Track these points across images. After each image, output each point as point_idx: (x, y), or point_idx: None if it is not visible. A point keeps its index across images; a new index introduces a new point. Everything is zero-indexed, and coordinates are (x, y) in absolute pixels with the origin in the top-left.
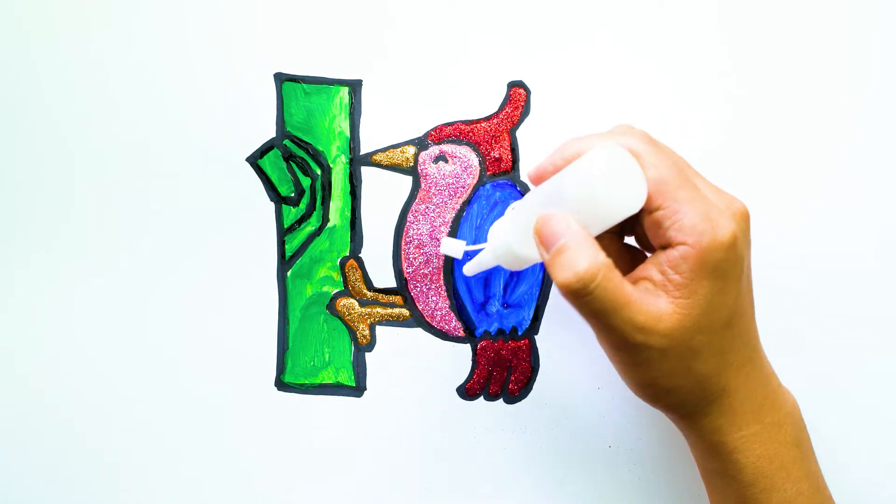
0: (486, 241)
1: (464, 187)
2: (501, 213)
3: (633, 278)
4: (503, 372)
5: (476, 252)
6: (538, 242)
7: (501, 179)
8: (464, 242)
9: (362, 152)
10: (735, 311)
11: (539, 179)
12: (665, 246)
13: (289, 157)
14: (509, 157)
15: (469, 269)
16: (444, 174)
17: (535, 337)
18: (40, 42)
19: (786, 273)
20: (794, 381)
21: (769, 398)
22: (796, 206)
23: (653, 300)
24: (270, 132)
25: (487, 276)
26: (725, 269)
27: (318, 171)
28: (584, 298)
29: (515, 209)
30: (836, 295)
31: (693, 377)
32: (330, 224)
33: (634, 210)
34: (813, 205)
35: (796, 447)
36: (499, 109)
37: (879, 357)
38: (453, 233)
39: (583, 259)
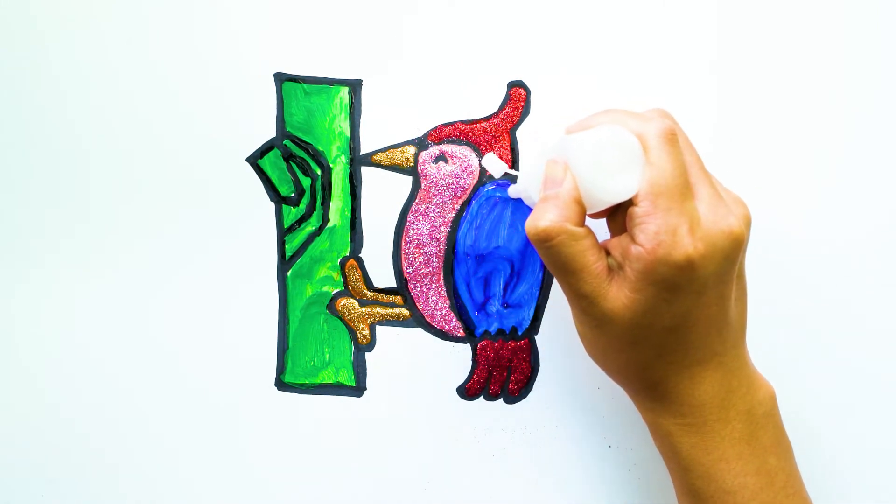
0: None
1: (464, 187)
2: (501, 214)
3: (606, 244)
4: (503, 372)
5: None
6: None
7: (501, 179)
8: (505, 165)
9: (362, 152)
10: (685, 320)
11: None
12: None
13: (289, 157)
14: (509, 157)
15: (512, 191)
16: (444, 174)
17: (535, 337)
18: (41, 43)
19: (779, 270)
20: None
21: (720, 397)
22: (798, 206)
23: (605, 277)
24: (270, 132)
25: (487, 276)
26: (676, 284)
27: (319, 171)
28: (541, 249)
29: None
30: (828, 291)
31: (629, 361)
32: (330, 224)
33: (621, 198)
34: (813, 205)
35: (746, 443)
36: (499, 109)
37: (874, 358)
38: (453, 233)
39: (548, 216)
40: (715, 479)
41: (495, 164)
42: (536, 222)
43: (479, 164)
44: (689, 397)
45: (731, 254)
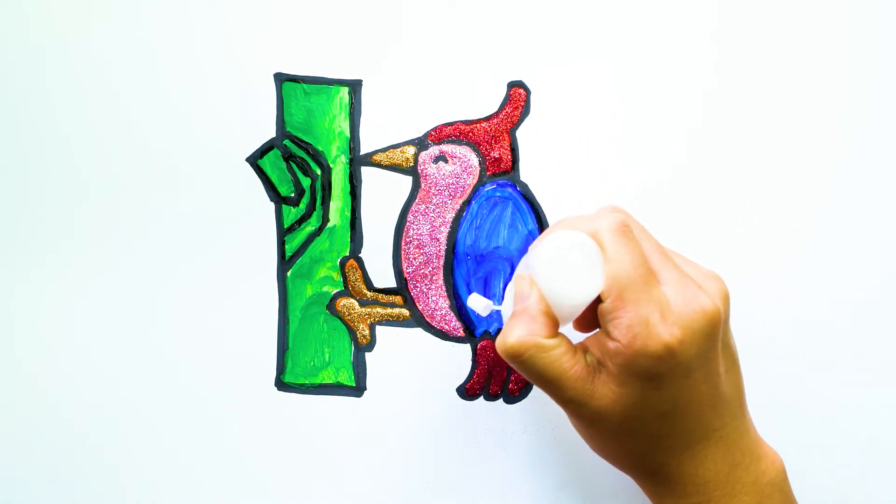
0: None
1: (464, 187)
2: (501, 214)
3: (585, 343)
4: (503, 372)
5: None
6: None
7: (501, 179)
8: (490, 302)
9: (362, 152)
10: (676, 405)
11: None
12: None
13: (289, 157)
14: (509, 157)
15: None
16: (444, 174)
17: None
18: (42, 44)
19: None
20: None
21: (724, 472)
22: (797, 206)
23: (586, 379)
24: (270, 132)
25: (487, 276)
26: (659, 373)
27: (318, 171)
28: (514, 365)
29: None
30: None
31: (628, 452)
32: (330, 224)
33: (587, 300)
34: (810, 208)
35: None
36: (499, 109)
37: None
38: (453, 233)
39: (516, 333)
40: None
41: (480, 303)
42: (505, 339)
43: (467, 304)
44: (693, 477)
45: (709, 332)
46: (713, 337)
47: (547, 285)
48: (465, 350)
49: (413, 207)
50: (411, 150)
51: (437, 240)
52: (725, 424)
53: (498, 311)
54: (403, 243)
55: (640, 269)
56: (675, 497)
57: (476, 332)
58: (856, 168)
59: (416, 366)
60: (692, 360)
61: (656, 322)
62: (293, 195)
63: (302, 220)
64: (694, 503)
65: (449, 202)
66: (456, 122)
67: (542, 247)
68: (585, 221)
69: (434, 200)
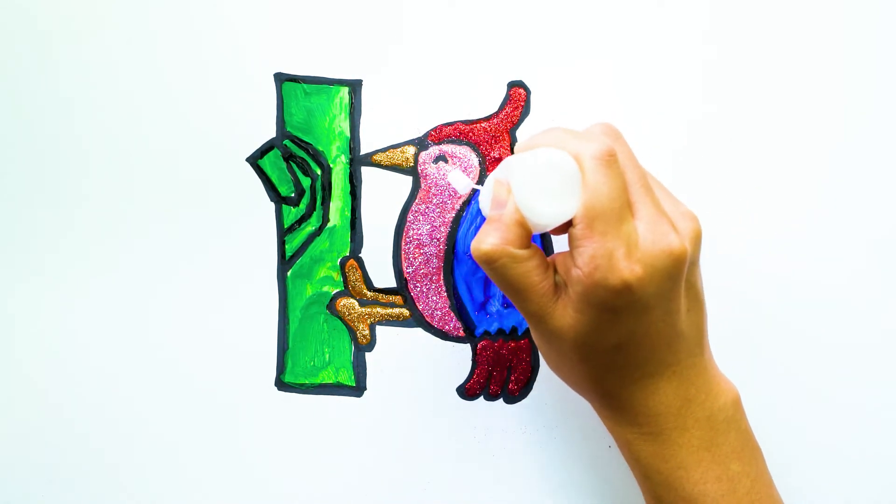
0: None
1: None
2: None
3: (553, 259)
4: (503, 372)
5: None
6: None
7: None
8: (471, 181)
9: (362, 152)
10: (631, 338)
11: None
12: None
13: (289, 157)
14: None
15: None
16: (444, 174)
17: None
18: (41, 43)
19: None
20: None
21: (675, 406)
22: (797, 204)
23: (550, 296)
24: (270, 132)
25: (487, 276)
26: (615, 307)
27: (318, 171)
28: (486, 270)
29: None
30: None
31: (580, 375)
32: (330, 224)
33: (558, 222)
34: (806, 205)
35: (706, 450)
36: (499, 109)
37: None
38: (453, 233)
39: (489, 240)
40: (674, 487)
41: (461, 181)
42: (479, 245)
43: (447, 180)
44: (644, 407)
45: (672, 272)
46: (676, 277)
47: (521, 198)
48: (465, 350)
49: (413, 207)
50: (411, 150)
51: (437, 240)
52: (681, 361)
53: (493, 305)
54: (403, 243)
55: (615, 203)
56: (627, 425)
57: (476, 331)
58: (853, 164)
59: (416, 366)
60: (651, 297)
61: (620, 257)
62: (293, 195)
63: (302, 220)
64: (645, 432)
65: (449, 202)
66: (456, 122)
67: (523, 159)
68: (573, 140)
69: (434, 200)
